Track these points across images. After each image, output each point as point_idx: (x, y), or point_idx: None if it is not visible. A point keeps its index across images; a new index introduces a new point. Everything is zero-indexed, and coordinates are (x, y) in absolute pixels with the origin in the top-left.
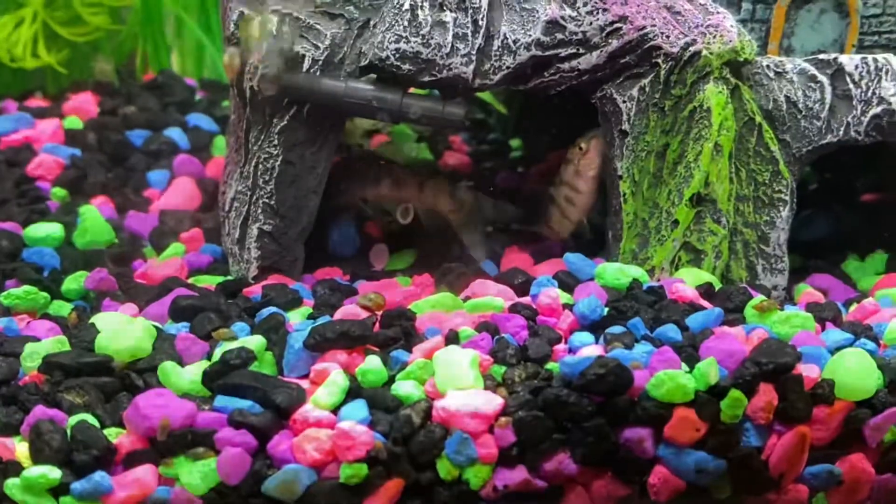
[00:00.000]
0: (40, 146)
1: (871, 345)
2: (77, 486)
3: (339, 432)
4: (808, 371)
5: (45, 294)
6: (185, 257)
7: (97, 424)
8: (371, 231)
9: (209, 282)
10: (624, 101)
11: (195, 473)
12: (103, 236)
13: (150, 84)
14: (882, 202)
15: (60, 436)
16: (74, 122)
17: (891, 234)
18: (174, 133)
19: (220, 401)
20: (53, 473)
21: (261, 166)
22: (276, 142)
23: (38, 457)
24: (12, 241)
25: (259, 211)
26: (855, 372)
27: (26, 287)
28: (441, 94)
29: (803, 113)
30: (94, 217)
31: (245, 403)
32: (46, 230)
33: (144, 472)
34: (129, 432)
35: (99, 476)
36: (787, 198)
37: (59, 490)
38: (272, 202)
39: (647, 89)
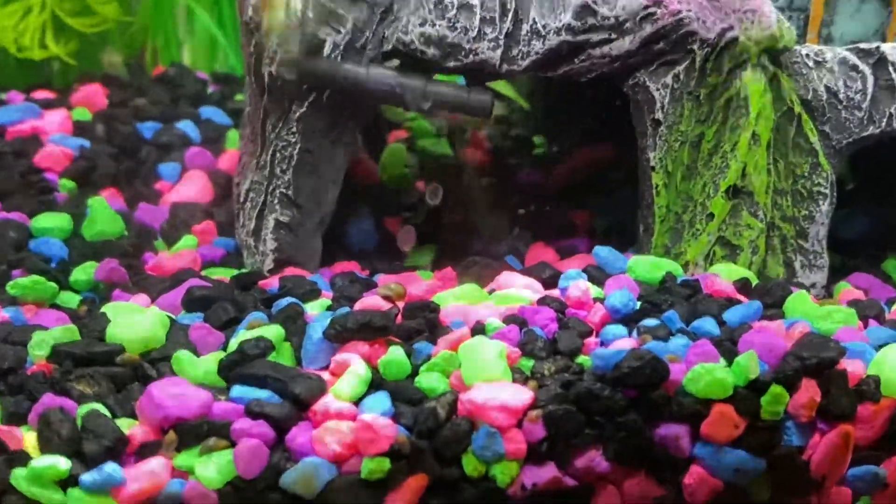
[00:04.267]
0: (48, 137)
1: None
2: (87, 477)
3: (361, 424)
4: (853, 367)
5: (53, 284)
6: (198, 250)
7: (109, 415)
8: (390, 225)
9: (223, 275)
10: (657, 89)
11: (210, 466)
12: (113, 228)
13: (161, 77)
14: None
15: (70, 425)
16: (83, 113)
17: None
18: (186, 126)
19: (237, 391)
20: (62, 464)
21: (278, 155)
22: (294, 129)
23: (46, 447)
24: (19, 231)
25: (276, 201)
26: None
27: (34, 277)
28: (467, 80)
29: (844, 104)
30: (103, 208)
31: (263, 394)
32: (54, 221)
33: (157, 465)
34: (141, 423)
35: (110, 468)
36: (827, 191)
37: (67, 482)
38: (289, 192)
39: (681, 77)
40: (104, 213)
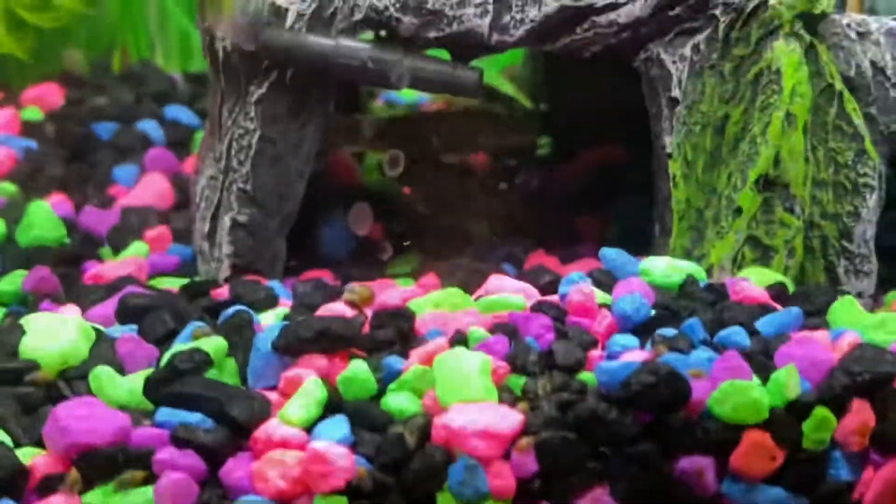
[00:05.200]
0: None
1: None
2: None
3: (311, 455)
4: None
5: None
6: (149, 258)
7: (9, 443)
8: (365, 227)
9: (173, 285)
10: (674, 63)
11: None
12: (51, 233)
13: (125, 75)
14: None
15: None
16: (34, 112)
17: None
18: (148, 126)
19: (163, 414)
20: None
21: (235, 144)
22: (252, 114)
23: None
24: None
25: (232, 198)
26: None
27: None
28: (451, 55)
29: (892, 81)
30: (43, 211)
31: (194, 417)
32: None
33: (62, 503)
34: (48, 452)
35: None
36: (875, 183)
37: None
38: (248, 187)
39: (702, 48)
40: (42, 217)
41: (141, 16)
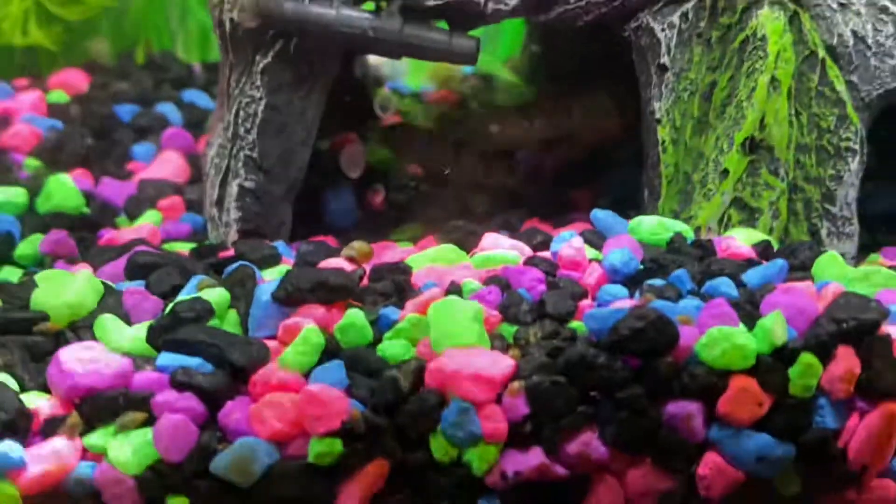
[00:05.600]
0: (19, 117)
1: None
2: None
3: (306, 396)
4: None
5: None
6: (162, 226)
7: (16, 387)
8: (373, 202)
9: (183, 249)
10: (663, 30)
11: (126, 446)
12: (70, 202)
13: (147, 63)
14: None
15: None
16: (59, 95)
17: None
18: (166, 108)
19: (164, 359)
20: None
21: (242, 113)
22: (258, 83)
23: None
24: None
25: (240, 165)
26: None
27: None
28: (449, 24)
29: (873, 50)
30: (62, 182)
31: (194, 362)
32: (7, 194)
33: (63, 444)
34: (51, 396)
35: (7, 446)
36: (857, 147)
37: None
38: (254, 154)
39: (690, 16)
40: (62, 187)
41: (163, 11)
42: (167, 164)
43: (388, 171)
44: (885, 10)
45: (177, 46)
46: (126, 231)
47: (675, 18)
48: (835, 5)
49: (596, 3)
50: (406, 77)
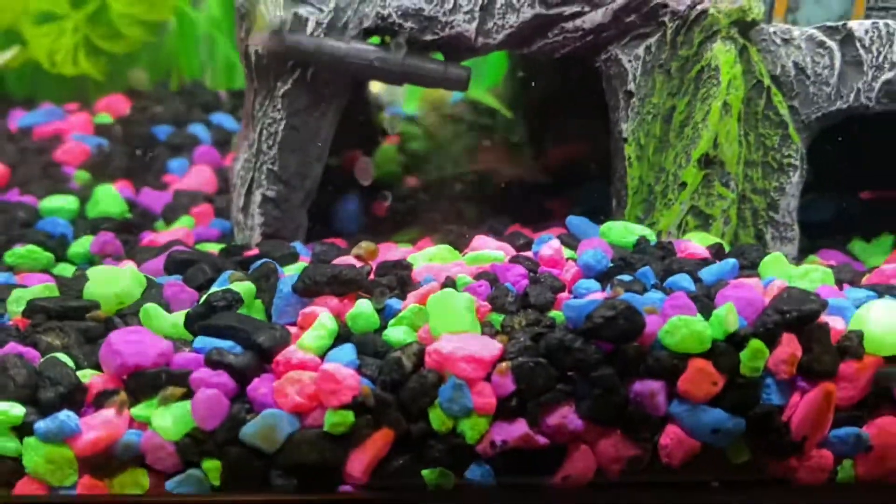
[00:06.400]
0: (69, 136)
1: None
2: (41, 425)
3: (322, 374)
4: (834, 323)
5: (47, 254)
6: (195, 229)
7: (72, 365)
8: (378, 210)
9: (213, 249)
10: (629, 61)
11: (167, 417)
12: (115, 208)
13: (180, 90)
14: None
15: (27, 371)
16: (104, 117)
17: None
18: (197, 129)
19: (200, 342)
20: (15, 410)
21: (265, 132)
22: (279, 106)
23: (2, 393)
24: (28, 212)
25: (263, 177)
26: (885, 324)
27: (30, 246)
28: (444, 56)
29: (812, 79)
30: (108, 191)
31: (226, 344)
32: (61, 202)
33: (113, 414)
34: (103, 373)
35: (65, 415)
36: (797, 163)
37: (23, 429)
38: (275, 168)
39: (653, 49)
40: (108, 196)
41: (194, 45)
42: (198, 177)
43: (392, 183)
44: (822, 44)
45: (206, 76)
46: (163, 234)
47: (640, 51)
48: (779, 41)
49: (571, 38)
50: (403, 103)
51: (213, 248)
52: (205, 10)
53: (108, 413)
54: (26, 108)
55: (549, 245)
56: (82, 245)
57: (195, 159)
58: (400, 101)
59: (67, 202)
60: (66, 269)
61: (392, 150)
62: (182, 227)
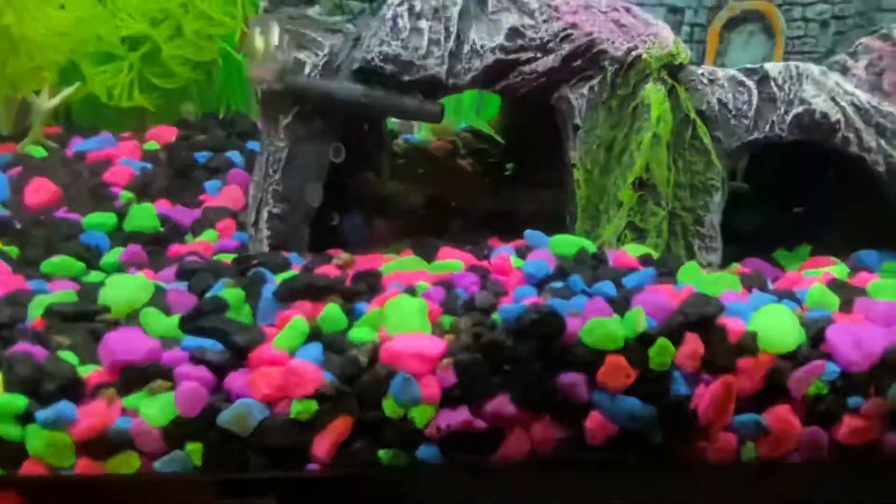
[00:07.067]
0: (118, 160)
1: (793, 305)
2: (41, 414)
3: (289, 369)
4: (734, 324)
5: (80, 264)
6: (218, 242)
7: (76, 362)
8: (378, 224)
9: (230, 258)
10: (577, 99)
11: (154, 406)
12: (148, 223)
13: (223, 120)
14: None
15: (30, 366)
16: (152, 144)
17: (814, 229)
18: (233, 154)
19: (187, 341)
20: (18, 401)
21: (271, 158)
22: (282, 136)
23: (8, 386)
24: (70, 227)
25: (269, 196)
26: (777, 326)
27: (63, 256)
28: (422, 94)
29: (733, 113)
30: (144, 209)
31: (208, 343)
32: (101, 218)
33: (101, 405)
34: (99, 368)
35: (63, 405)
36: (719, 185)
37: (26, 418)
38: (280, 188)
39: (596, 89)
40: (142, 213)
41: (240, 81)
42: (229, 195)
43: (394, 201)
44: (742, 83)
45: (250, 108)
46: (187, 246)
47: (585, 91)
48: (705, 80)
49: (528, 79)
50: (416, 131)
51: (229, 258)
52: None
53: (101, 403)
54: (87, 136)
55: (500, 255)
56: (113, 255)
57: (228, 180)
58: (413, 129)
59: (106, 218)
60: (98, 277)
61: (399, 171)
62: (205, 240)
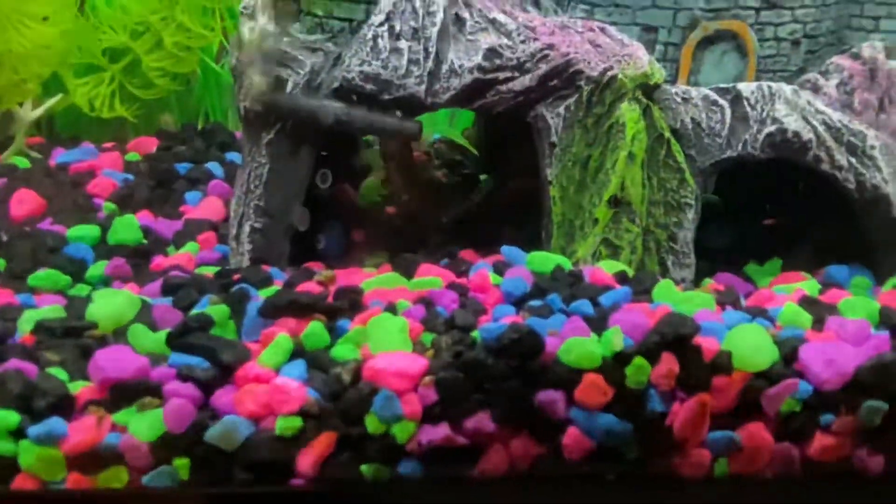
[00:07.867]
0: (100, 172)
1: (766, 324)
2: (33, 430)
3: (274, 387)
4: (708, 343)
5: (66, 277)
6: (199, 254)
7: (66, 378)
8: (357, 236)
9: (211, 272)
10: (552, 118)
11: (143, 422)
12: (132, 235)
13: (202, 131)
14: (779, 219)
15: (22, 384)
16: (134, 156)
17: (785, 244)
18: (213, 166)
19: (174, 358)
20: (12, 417)
21: (252, 174)
22: (264, 153)
23: (1, 402)
24: (55, 239)
25: (251, 211)
26: (751, 345)
27: (48, 270)
28: (401, 112)
29: (706, 132)
30: (127, 221)
31: (195, 360)
32: (85, 231)
33: (91, 421)
34: (90, 384)
35: (54, 422)
36: (693, 202)
37: (18, 434)
38: (262, 203)
39: (572, 108)
40: (125, 225)
41: (218, 92)
42: (209, 207)
43: (373, 213)
44: (715, 102)
45: (228, 119)
46: (170, 259)
47: (561, 109)
48: (679, 99)
49: (505, 98)
50: None
51: (211, 271)
52: (228, 64)
53: (91, 419)
54: (69, 147)
55: (478, 273)
56: (98, 268)
57: (208, 192)
58: None
59: (90, 230)
60: (83, 290)
61: (376, 183)
62: (187, 253)
